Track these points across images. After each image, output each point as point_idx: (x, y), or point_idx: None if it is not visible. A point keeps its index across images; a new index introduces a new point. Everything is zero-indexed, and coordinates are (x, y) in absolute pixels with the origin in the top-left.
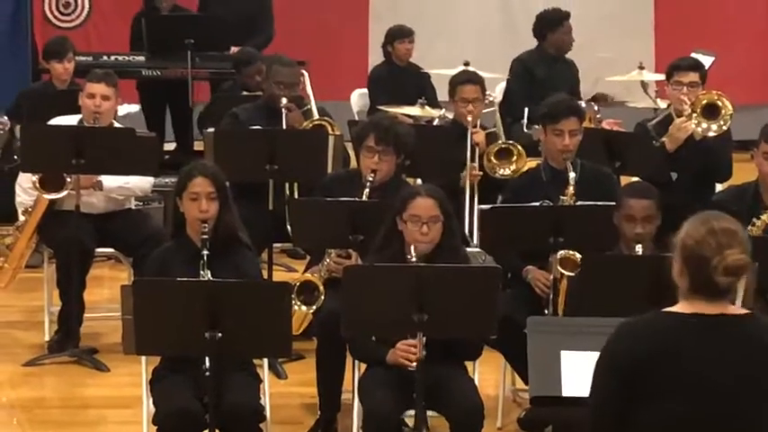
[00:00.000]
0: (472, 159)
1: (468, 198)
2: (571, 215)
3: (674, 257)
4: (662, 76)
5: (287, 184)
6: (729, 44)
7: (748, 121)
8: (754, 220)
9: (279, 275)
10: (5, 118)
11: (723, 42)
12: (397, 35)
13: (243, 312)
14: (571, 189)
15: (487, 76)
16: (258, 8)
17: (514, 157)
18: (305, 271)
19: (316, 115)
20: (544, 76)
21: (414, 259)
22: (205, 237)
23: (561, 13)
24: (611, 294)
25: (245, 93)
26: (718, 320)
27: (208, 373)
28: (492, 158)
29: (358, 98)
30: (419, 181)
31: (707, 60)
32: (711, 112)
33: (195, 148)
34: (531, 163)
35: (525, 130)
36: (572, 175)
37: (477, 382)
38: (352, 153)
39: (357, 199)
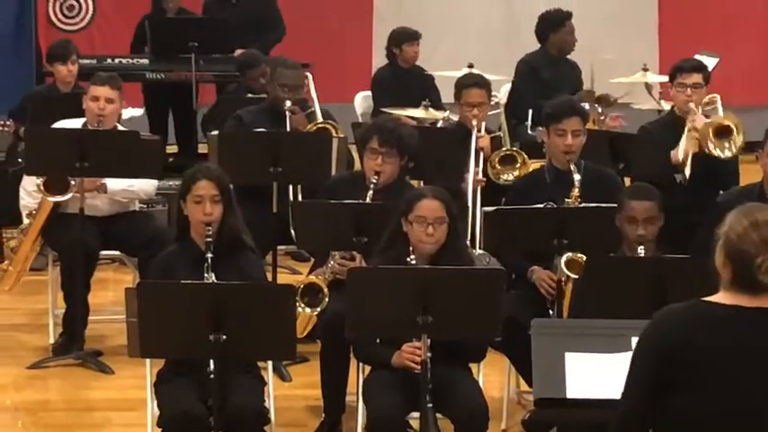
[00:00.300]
0: (476, 164)
1: (470, 203)
2: (575, 217)
3: (717, 248)
4: (666, 78)
5: (291, 187)
6: (734, 45)
7: (752, 122)
8: None
9: (283, 278)
10: (10, 120)
11: (728, 43)
12: (405, 38)
13: (247, 315)
14: (576, 191)
15: (491, 78)
16: (264, 8)
17: (518, 164)
18: (309, 273)
19: (320, 118)
20: (549, 77)
21: (413, 262)
22: (209, 240)
23: (563, 13)
24: (614, 296)
25: (249, 95)
26: (757, 314)
27: (212, 376)
28: (496, 165)
29: (362, 100)
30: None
31: (711, 62)
32: (723, 132)
33: (199, 151)
34: (536, 164)
35: (529, 131)
36: (577, 176)
37: (481, 384)
38: (356, 155)
39: (361, 201)
